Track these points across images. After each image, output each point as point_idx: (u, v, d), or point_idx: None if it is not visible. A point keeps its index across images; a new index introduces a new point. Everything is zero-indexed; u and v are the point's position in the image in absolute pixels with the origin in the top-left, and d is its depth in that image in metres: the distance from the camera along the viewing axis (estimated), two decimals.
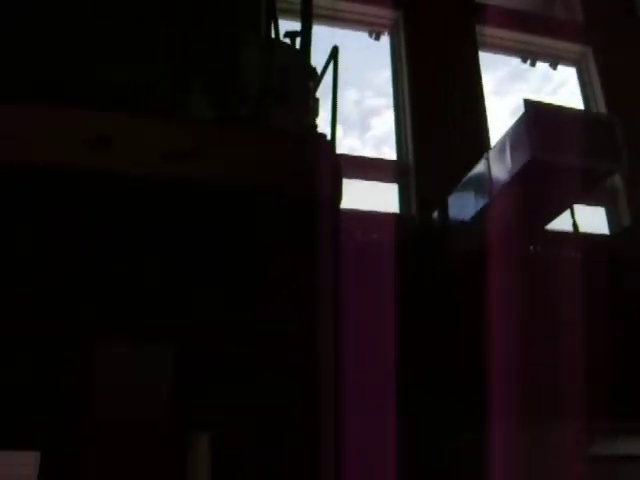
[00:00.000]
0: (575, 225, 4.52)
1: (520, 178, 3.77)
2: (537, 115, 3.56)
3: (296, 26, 3.77)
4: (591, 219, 5.24)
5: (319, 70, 3.74)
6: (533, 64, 6.21)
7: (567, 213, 4.40)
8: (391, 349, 3.88)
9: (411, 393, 3.84)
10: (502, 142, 4.01)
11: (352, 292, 3.62)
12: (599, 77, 6.04)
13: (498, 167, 4.04)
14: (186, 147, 3.00)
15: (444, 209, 4.57)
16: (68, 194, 3.04)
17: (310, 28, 3.71)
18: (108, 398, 3.14)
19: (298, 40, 3.67)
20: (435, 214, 4.65)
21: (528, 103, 3.62)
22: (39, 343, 3.17)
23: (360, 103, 6.02)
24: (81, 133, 2.88)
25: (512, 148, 3.82)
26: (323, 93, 3.79)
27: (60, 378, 3.17)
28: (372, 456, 3.74)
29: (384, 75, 5.69)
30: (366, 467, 3.64)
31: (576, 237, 4.60)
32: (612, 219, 5.47)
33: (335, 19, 5.73)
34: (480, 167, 4.28)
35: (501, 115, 5.57)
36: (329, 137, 3.34)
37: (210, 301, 3.48)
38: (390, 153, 5.30)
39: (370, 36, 5.86)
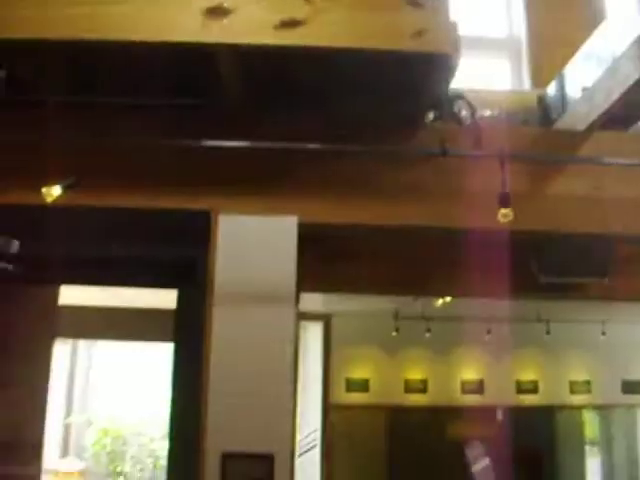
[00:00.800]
0: None
1: None
2: None
3: None
4: None
5: None
6: None
7: None
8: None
9: None
10: (625, 3, 3.74)
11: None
12: None
13: (621, 30, 3.80)
14: (300, 15, 2.97)
15: (560, 81, 4.38)
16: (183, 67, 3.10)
17: None
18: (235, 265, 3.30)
19: None
20: (551, 88, 4.46)
21: None
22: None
23: None
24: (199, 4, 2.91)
25: None
26: None
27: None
28: None
29: None
30: None
31: None
32: None
33: None
34: (600, 33, 4.04)
35: None
36: None
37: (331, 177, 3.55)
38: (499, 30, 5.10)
39: None
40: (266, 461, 3.32)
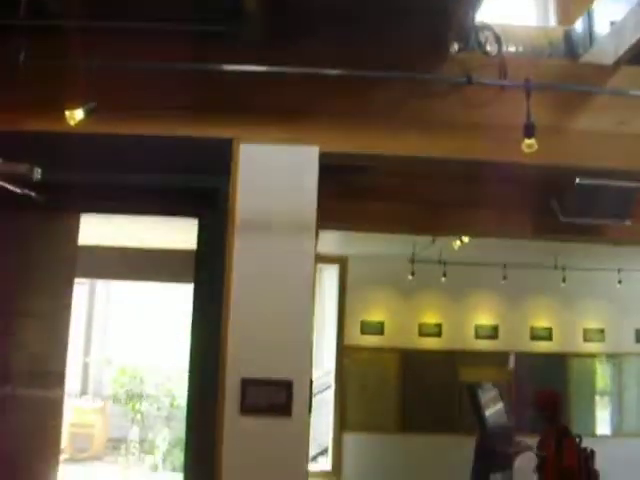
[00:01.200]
0: None
1: None
2: None
3: None
4: None
5: None
6: None
7: None
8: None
9: None
10: None
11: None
12: None
13: None
14: None
15: (588, 17, 4.28)
16: None
17: None
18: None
19: None
20: (578, 24, 4.36)
21: None
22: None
23: None
24: None
25: None
26: None
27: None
28: None
29: None
30: None
31: None
32: None
33: None
34: None
35: None
36: None
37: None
38: None
39: None
40: (284, 387, 3.39)
